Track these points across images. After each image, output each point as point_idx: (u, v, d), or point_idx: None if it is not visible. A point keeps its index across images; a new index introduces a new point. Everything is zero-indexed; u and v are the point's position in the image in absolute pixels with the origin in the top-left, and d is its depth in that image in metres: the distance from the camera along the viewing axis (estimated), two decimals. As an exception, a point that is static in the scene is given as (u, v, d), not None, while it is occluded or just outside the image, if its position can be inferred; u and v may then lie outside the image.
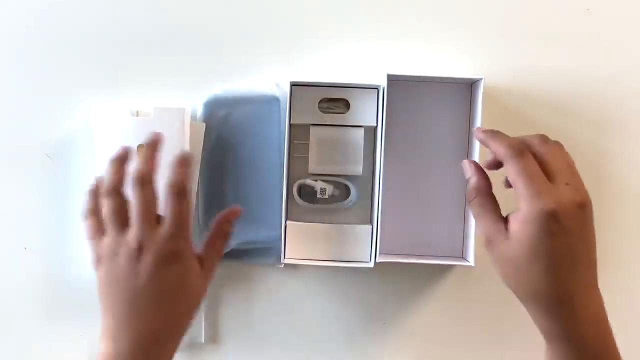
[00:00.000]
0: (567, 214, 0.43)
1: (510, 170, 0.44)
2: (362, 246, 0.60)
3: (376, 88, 0.59)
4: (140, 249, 0.46)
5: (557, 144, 0.47)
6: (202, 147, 0.61)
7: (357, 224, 0.61)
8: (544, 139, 0.47)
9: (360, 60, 0.62)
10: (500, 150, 0.45)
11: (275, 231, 0.60)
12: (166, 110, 0.59)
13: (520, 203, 0.44)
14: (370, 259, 0.59)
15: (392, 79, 0.57)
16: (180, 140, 0.59)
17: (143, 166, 0.48)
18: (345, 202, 0.62)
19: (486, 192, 0.48)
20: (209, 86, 0.62)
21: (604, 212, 0.63)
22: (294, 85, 0.58)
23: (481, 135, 0.47)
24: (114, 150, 0.58)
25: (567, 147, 0.62)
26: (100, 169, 0.59)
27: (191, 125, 0.60)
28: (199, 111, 0.61)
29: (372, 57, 0.62)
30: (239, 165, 0.61)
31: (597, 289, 0.46)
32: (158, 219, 0.47)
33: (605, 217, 0.63)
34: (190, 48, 0.62)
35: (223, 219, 0.51)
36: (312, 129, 0.60)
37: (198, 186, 0.61)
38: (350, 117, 0.60)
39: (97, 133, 0.59)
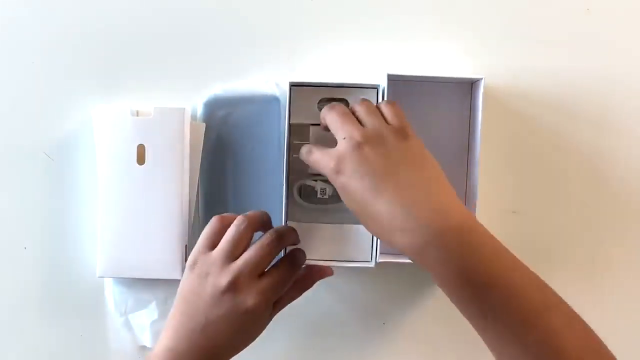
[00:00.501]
0: (344, 162, 0.47)
1: (325, 119, 0.51)
2: (363, 246, 0.60)
3: (375, 87, 0.59)
4: (228, 289, 0.50)
5: (359, 100, 0.52)
6: (202, 147, 0.61)
7: (358, 224, 0.61)
8: (333, 105, 0.51)
9: (360, 60, 0.62)
10: (301, 156, 0.52)
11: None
12: (166, 110, 0.59)
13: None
14: (371, 259, 0.59)
15: (392, 79, 0.57)
16: (180, 140, 0.59)
17: (284, 230, 0.54)
18: (346, 202, 0.62)
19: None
20: (209, 86, 0.62)
21: (604, 212, 0.63)
22: (293, 85, 0.58)
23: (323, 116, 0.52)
24: (114, 150, 0.59)
25: (566, 147, 0.63)
26: (101, 169, 0.59)
27: (191, 125, 0.60)
28: (199, 111, 0.61)
29: (372, 57, 0.62)
30: (239, 165, 0.61)
31: (444, 199, 0.47)
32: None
33: (604, 217, 0.63)
34: (190, 48, 0.62)
35: (316, 274, 0.58)
36: (311, 129, 0.60)
37: (198, 186, 0.62)
38: None
39: (98, 133, 0.59)
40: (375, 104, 0.52)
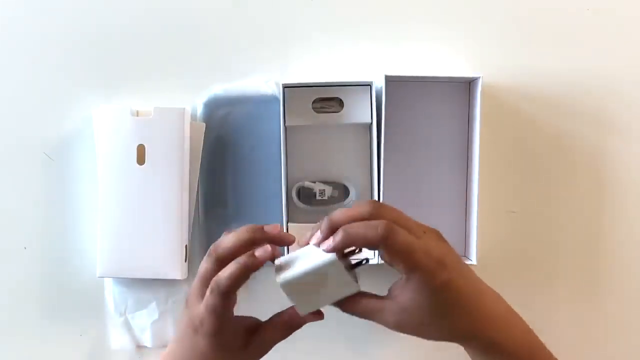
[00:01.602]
0: (444, 254, 0.43)
1: (389, 251, 0.42)
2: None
3: (369, 84, 0.59)
4: (187, 302, 0.47)
5: (383, 204, 0.45)
6: (202, 147, 0.61)
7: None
8: (375, 204, 0.44)
9: (359, 60, 0.62)
10: (369, 236, 0.42)
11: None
12: (166, 110, 0.59)
13: (402, 272, 0.44)
14: (374, 256, 0.59)
15: (390, 80, 0.57)
16: (180, 140, 0.59)
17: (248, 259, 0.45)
18: (345, 202, 0.62)
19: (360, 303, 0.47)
20: (209, 86, 0.62)
21: (604, 212, 0.63)
22: (286, 87, 0.58)
23: (335, 243, 0.43)
24: (114, 150, 0.59)
25: (565, 147, 0.63)
26: (101, 168, 0.59)
27: (191, 125, 0.60)
28: (199, 111, 0.61)
29: (370, 58, 0.62)
30: (239, 165, 0.61)
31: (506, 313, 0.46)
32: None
33: (605, 217, 0.63)
34: (190, 48, 0.62)
35: (298, 320, 0.49)
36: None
37: (198, 186, 0.62)
38: (345, 116, 0.60)
39: (98, 133, 0.59)
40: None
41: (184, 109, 0.59)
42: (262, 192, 0.61)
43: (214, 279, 0.45)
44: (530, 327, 0.47)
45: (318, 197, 0.61)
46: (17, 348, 0.63)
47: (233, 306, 0.47)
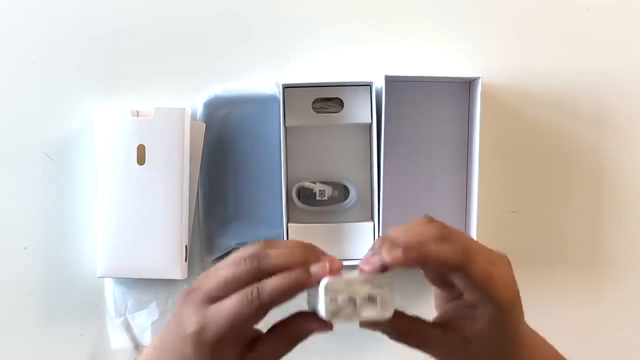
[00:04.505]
0: (516, 286, 0.39)
1: (469, 276, 0.37)
2: (365, 244, 0.60)
3: (369, 85, 0.59)
4: (179, 306, 0.40)
5: (440, 222, 0.39)
6: (202, 147, 0.61)
7: (357, 223, 0.61)
8: (439, 224, 0.39)
9: (358, 61, 0.62)
10: (450, 259, 0.36)
11: (275, 230, 0.60)
12: (166, 110, 0.59)
13: (477, 301, 0.38)
14: None
15: (389, 80, 0.57)
16: (180, 140, 0.59)
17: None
18: (345, 202, 0.62)
19: (416, 327, 0.41)
20: (209, 86, 0.62)
21: (604, 212, 0.63)
22: (286, 87, 0.58)
23: (410, 256, 0.37)
24: (114, 150, 0.59)
25: (566, 147, 0.63)
26: (101, 169, 0.59)
27: (191, 125, 0.60)
28: (199, 111, 0.61)
29: (370, 58, 0.62)
30: (239, 164, 0.61)
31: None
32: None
33: (604, 216, 0.63)
34: (190, 48, 0.62)
35: (304, 324, 0.42)
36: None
37: (198, 186, 0.62)
38: (345, 116, 0.60)
39: (98, 133, 0.59)
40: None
41: (184, 109, 0.59)
42: (262, 192, 0.61)
43: (257, 285, 0.38)
44: (530, 327, 0.47)
45: (318, 197, 0.61)
46: (17, 348, 0.63)
47: (252, 325, 0.40)
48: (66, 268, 0.62)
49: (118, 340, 0.62)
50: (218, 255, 0.61)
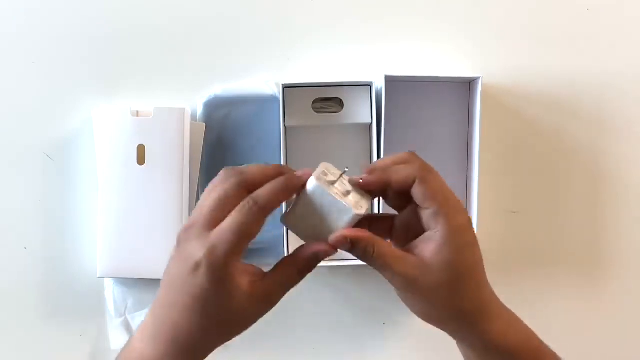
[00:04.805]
0: (471, 222, 0.42)
1: (426, 189, 0.41)
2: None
3: (369, 85, 0.59)
4: (178, 241, 0.42)
5: (414, 154, 0.44)
6: (202, 147, 0.61)
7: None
8: (410, 154, 0.43)
9: (358, 61, 0.62)
10: (408, 173, 0.42)
11: (275, 230, 0.60)
12: (166, 110, 0.59)
13: (431, 222, 0.41)
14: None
15: (389, 80, 0.57)
16: (180, 140, 0.59)
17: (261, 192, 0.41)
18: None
19: (376, 239, 0.43)
20: (209, 86, 0.62)
21: (604, 212, 0.63)
22: (286, 87, 0.58)
23: (374, 179, 0.43)
24: (114, 150, 0.59)
25: (566, 147, 0.63)
26: (101, 169, 0.59)
27: (191, 125, 0.60)
28: (199, 111, 0.61)
29: (370, 58, 0.62)
30: (239, 164, 0.61)
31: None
32: None
33: (604, 216, 0.63)
34: (190, 48, 0.62)
35: (307, 251, 0.44)
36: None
37: (198, 186, 0.62)
38: (345, 116, 0.60)
39: (98, 133, 0.59)
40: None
41: (184, 109, 0.59)
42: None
43: (251, 196, 0.40)
44: (531, 327, 0.47)
45: None
46: (17, 348, 0.63)
47: (255, 236, 0.40)
48: (66, 268, 0.62)
49: (118, 340, 0.62)
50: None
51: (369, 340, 0.64)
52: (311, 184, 0.42)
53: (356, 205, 0.43)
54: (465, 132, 0.62)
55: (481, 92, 0.58)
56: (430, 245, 0.41)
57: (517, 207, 0.63)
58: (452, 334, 0.45)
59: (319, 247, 0.43)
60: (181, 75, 0.62)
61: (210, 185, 0.42)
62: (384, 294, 0.63)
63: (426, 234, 0.42)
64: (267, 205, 0.40)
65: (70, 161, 0.62)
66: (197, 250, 0.40)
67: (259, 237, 0.58)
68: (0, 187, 0.62)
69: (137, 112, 0.59)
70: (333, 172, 0.44)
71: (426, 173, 0.42)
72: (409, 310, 0.63)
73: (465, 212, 0.42)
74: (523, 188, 0.63)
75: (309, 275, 0.64)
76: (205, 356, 0.44)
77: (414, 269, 0.41)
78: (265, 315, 0.65)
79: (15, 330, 0.63)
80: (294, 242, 0.60)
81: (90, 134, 0.60)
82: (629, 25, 0.63)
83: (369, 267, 0.60)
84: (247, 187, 0.41)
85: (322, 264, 0.59)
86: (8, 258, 0.62)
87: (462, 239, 0.41)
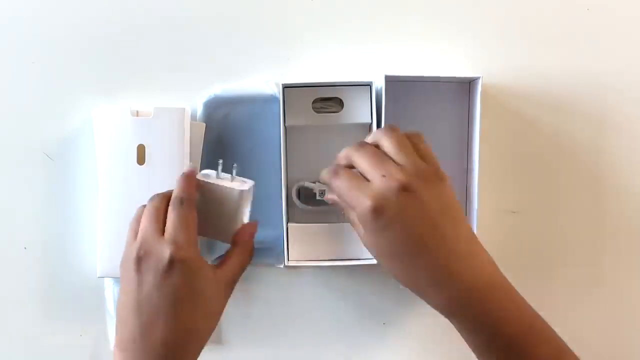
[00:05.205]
0: (386, 204, 0.43)
1: (334, 191, 0.48)
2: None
3: (369, 85, 0.59)
4: (139, 261, 0.46)
5: (391, 129, 0.48)
6: (202, 147, 0.61)
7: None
8: (384, 130, 0.48)
9: (358, 61, 0.62)
10: (324, 178, 0.50)
11: (275, 230, 0.60)
12: (166, 110, 0.59)
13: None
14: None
15: (389, 80, 0.57)
16: (180, 140, 0.59)
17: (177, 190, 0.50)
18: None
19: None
20: (209, 86, 0.62)
21: (604, 212, 0.63)
22: (286, 87, 0.58)
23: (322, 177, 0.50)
24: (114, 150, 0.59)
25: (566, 147, 0.63)
26: (102, 169, 0.59)
27: (191, 125, 0.60)
28: (199, 111, 0.61)
29: (370, 58, 0.62)
30: (239, 164, 0.61)
31: (478, 253, 0.46)
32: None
33: (604, 216, 0.63)
34: (190, 48, 0.62)
35: (244, 234, 0.52)
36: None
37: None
38: (345, 116, 0.60)
39: (98, 133, 0.59)
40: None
41: (183, 109, 0.59)
42: (261, 192, 0.61)
43: (173, 197, 0.48)
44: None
45: (318, 197, 0.61)
46: (17, 348, 0.63)
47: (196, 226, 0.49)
48: (66, 268, 0.62)
49: (118, 340, 0.62)
50: (218, 255, 0.61)
51: (369, 340, 0.64)
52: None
53: (240, 184, 0.51)
54: (465, 132, 0.62)
55: (481, 92, 0.58)
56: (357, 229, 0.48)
57: (517, 207, 0.63)
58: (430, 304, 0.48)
59: (250, 228, 0.53)
60: (181, 75, 0.62)
61: (134, 218, 0.51)
62: (384, 294, 0.63)
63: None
64: (188, 196, 0.49)
65: (70, 161, 0.62)
66: (163, 253, 0.45)
67: (259, 237, 0.58)
68: (0, 187, 0.62)
69: (137, 112, 0.59)
70: (214, 174, 0.53)
71: (330, 180, 0.48)
72: (409, 310, 0.64)
73: (365, 201, 0.44)
74: (523, 188, 0.63)
75: (309, 275, 0.64)
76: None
77: (370, 197, 0.45)
78: (265, 315, 0.65)
79: (15, 330, 0.63)
80: (295, 245, 0.60)
81: (90, 134, 0.60)
82: (629, 25, 0.63)
83: (369, 267, 0.60)
84: (166, 198, 0.49)
85: (322, 264, 0.59)
86: (8, 258, 0.62)
87: (369, 226, 0.44)
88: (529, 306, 0.47)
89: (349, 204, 0.46)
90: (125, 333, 0.46)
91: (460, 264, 0.44)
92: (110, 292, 0.62)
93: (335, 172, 0.47)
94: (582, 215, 0.63)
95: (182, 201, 0.48)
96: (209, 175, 0.52)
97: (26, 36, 0.62)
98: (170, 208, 0.48)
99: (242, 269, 0.52)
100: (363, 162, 0.46)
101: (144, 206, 0.50)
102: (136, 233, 0.49)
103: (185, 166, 0.57)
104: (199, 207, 0.50)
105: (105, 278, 0.61)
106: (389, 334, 0.64)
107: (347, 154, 0.48)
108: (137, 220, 0.50)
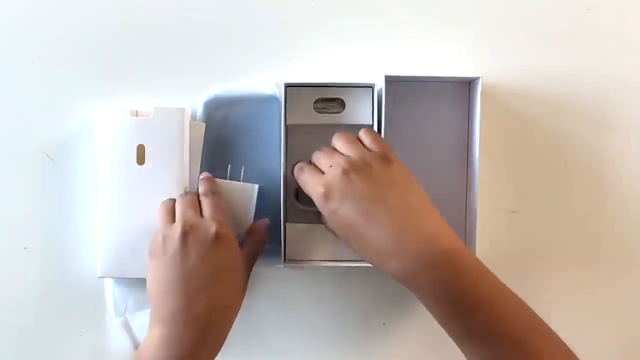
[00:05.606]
0: (333, 189, 0.49)
1: (312, 160, 0.55)
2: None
3: (371, 86, 0.59)
4: (185, 235, 0.50)
5: (336, 136, 0.54)
6: (202, 147, 0.61)
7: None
8: (322, 148, 0.55)
9: (358, 60, 0.62)
10: (293, 176, 0.56)
11: (274, 230, 0.60)
12: (166, 110, 0.59)
13: None
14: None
15: (389, 80, 0.57)
16: (180, 140, 0.59)
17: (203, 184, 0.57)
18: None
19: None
20: (209, 86, 0.62)
21: (604, 212, 0.63)
22: (288, 86, 0.58)
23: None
24: (114, 150, 0.59)
25: (566, 147, 0.63)
26: (102, 169, 0.59)
27: (191, 125, 0.60)
28: (199, 111, 0.61)
29: (370, 57, 0.62)
30: (239, 165, 0.61)
31: (430, 223, 0.49)
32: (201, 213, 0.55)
33: (604, 216, 0.63)
34: (190, 48, 0.62)
35: (259, 225, 0.58)
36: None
37: (198, 186, 0.61)
38: (346, 117, 0.60)
39: (98, 133, 0.59)
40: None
41: (184, 109, 0.59)
42: (261, 192, 0.61)
43: (202, 191, 0.56)
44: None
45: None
46: (17, 348, 0.63)
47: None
48: (66, 268, 0.62)
49: (118, 341, 0.62)
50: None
51: (369, 340, 0.64)
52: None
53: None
54: (466, 132, 0.62)
55: (481, 92, 0.58)
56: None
57: (517, 207, 0.63)
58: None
59: (264, 221, 0.59)
60: (181, 75, 0.62)
61: (163, 209, 0.57)
62: (383, 294, 0.63)
63: None
64: (215, 189, 0.57)
65: (70, 161, 0.62)
66: (209, 228, 0.51)
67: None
68: (0, 187, 0.62)
69: (137, 112, 0.59)
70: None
71: (297, 174, 0.54)
72: (409, 310, 0.64)
73: (319, 189, 0.50)
74: (523, 188, 0.63)
75: (309, 275, 0.64)
76: (228, 332, 0.53)
77: (320, 185, 0.51)
78: (265, 315, 0.65)
79: (15, 330, 0.63)
80: (293, 244, 0.60)
81: (90, 134, 0.60)
82: (629, 25, 0.63)
83: (369, 267, 0.60)
84: (195, 194, 0.57)
85: (322, 264, 0.59)
86: (8, 258, 0.62)
87: (325, 210, 0.50)
88: (494, 276, 0.47)
89: (310, 194, 0.52)
90: (166, 306, 0.50)
91: (409, 233, 0.47)
92: (110, 292, 0.62)
93: (301, 169, 0.54)
94: (581, 215, 0.63)
95: (212, 192, 0.56)
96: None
97: (26, 36, 0.62)
98: (202, 198, 0.55)
99: (258, 254, 0.57)
100: (318, 159, 0.53)
101: (169, 200, 0.56)
102: (169, 219, 0.54)
103: (201, 174, 0.60)
104: None
105: (105, 278, 0.61)
106: (389, 334, 0.64)
107: (313, 155, 0.55)
108: (167, 210, 0.55)
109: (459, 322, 0.46)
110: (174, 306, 0.49)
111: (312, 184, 0.51)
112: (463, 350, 0.47)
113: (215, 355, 0.51)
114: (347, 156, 0.51)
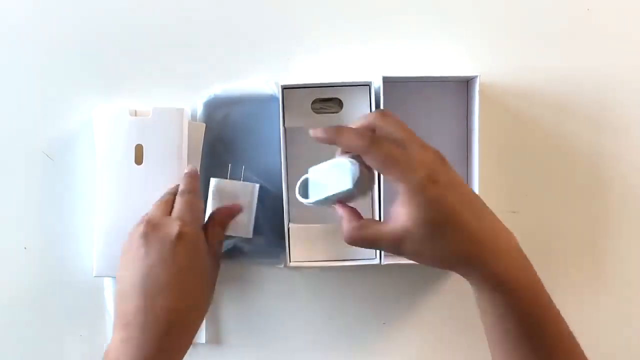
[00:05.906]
0: (437, 171, 0.43)
1: (371, 160, 0.44)
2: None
3: (368, 85, 0.59)
4: (146, 234, 0.49)
5: (387, 114, 0.47)
6: (202, 147, 0.61)
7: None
8: (380, 114, 0.46)
9: (357, 61, 0.62)
10: (354, 144, 0.45)
11: (275, 231, 0.60)
12: (166, 110, 0.59)
13: (395, 186, 0.43)
14: (376, 255, 0.59)
15: (387, 81, 0.57)
16: (179, 140, 0.59)
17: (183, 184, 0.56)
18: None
19: (358, 222, 0.47)
20: (209, 86, 0.62)
21: (604, 212, 0.63)
22: (285, 88, 0.58)
23: (324, 135, 0.47)
24: (113, 150, 0.59)
25: (566, 146, 0.63)
26: (101, 168, 0.59)
27: (191, 125, 0.60)
28: (199, 111, 0.61)
29: (368, 58, 0.62)
30: (239, 165, 0.61)
31: (498, 228, 0.46)
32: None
33: (604, 216, 0.63)
34: (190, 48, 0.62)
35: (225, 210, 0.57)
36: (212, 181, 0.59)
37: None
38: (344, 116, 0.60)
39: (97, 133, 0.59)
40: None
41: (182, 109, 0.59)
42: (261, 193, 0.61)
43: (182, 188, 0.54)
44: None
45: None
46: (16, 348, 0.63)
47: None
48: (66, 268, 0.62)
49: (118, 340, 0.62)
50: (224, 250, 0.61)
51: (369, 340, 0.64)
52: (212, 182, 0.58)
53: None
54: (465, 132, 0.62)
55: (479, 91, 0.58)
56: (400, 209, 0.43)
57: (517, 207, 0.63)
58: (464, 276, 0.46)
59: (231, 207, 0.57)
60: (181, 75, 0.62)
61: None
62: (384, 294, 0.63)
63: (397, 200, 0.44)
64: (193, 188, 0.54)
65: (70, 161, 0.62)
66: (171, 227, 0.50)
67: (259, 237, 0.58)
68: (0, 187, 0.62)
69: (136, 112, 0.59)
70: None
71: (369, 145, 0.43)
72: (409, 310, 0.63)
73: (420, 168, 0.42)
74: (523, 188, 0.63)
75: (309, 275, 0.64)
76: (196, 332, 0.51)
77: (394, 237, 0.44)
78: (266, 315, 0.65)
79: (14, 330, 0.63)
80: (297, 245, 0.60)
81: (90, 134, 0.60)
82: (629, 25, 0.63)
83: (369, 267, 0.60)
84: (172, 192, 0.55)
85: (322, 264, 0.59)
86: (8, 258, 0.62)
87: (420, 198, 0.42)
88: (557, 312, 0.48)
89: (391, 173, 0.43)
90: (128, 307, 0.48)
91: (502, 229, 0.45)
92: (110, 292, 0.62)
93: (373, 140, 0.44)
94: (582, 215, 0.63)
95: (188, 191, 0.54)
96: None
97: (26, 36, 0.62)
98: (177, 197, 0.54)
99: (220, 243, 0.56)
100: (397, 131, 0.45)
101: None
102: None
103: (186, 168, 0.58)
104: (217, 205, 0.57)
105: (105, 278, 0.61)
106: (389, 334, 0.64)
107: (371, 123, 0.46)
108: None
109: (531, 346, 0.46)
110: (134, 306, 0.48)
111: (406, 162, 0.43)
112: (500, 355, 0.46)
113: (183, 356, 0.49)
114: (424, 143, 0.45)
